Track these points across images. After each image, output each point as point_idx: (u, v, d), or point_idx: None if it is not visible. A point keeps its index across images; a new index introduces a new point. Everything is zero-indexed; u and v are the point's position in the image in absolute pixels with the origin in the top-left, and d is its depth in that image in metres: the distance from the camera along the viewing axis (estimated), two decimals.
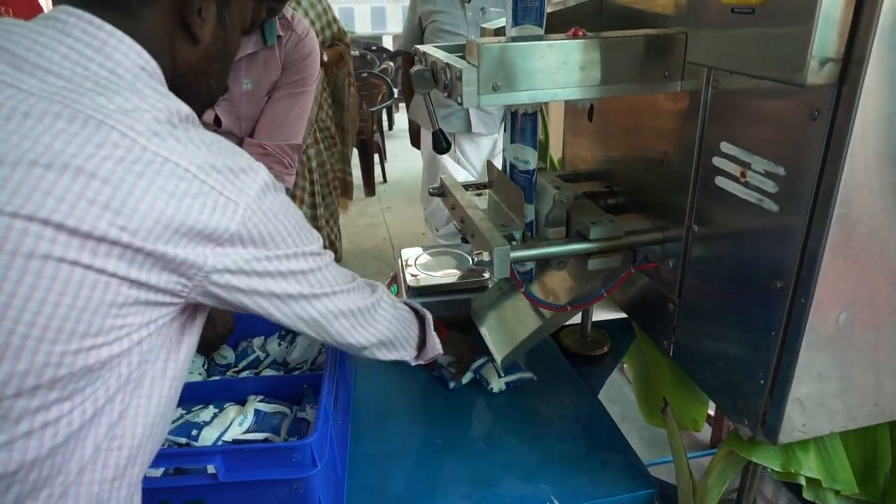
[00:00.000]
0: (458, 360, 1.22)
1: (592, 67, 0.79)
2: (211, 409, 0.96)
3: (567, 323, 1.27)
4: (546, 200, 1.00)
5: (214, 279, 0.58)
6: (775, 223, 0.70)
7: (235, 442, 0.92)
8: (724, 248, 0.81)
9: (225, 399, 1.00)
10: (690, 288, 0.89)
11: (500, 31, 1.01)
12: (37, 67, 0.53)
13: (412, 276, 1.37)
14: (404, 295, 1.33)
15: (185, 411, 0.97)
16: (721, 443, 0.91)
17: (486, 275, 1.34)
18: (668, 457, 1.02)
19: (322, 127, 2.99)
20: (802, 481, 0.83)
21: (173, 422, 0.93)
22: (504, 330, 1.17)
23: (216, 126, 1.53)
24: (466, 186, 1.16)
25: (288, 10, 1.53)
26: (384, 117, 5.77)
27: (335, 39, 2.86)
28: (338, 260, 3.44)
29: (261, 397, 1.00)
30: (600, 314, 1.41)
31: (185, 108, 0.58)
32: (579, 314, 1.35)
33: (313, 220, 3.08)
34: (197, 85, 0.67)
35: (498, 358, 1.13)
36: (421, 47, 0.93)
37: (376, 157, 4.86)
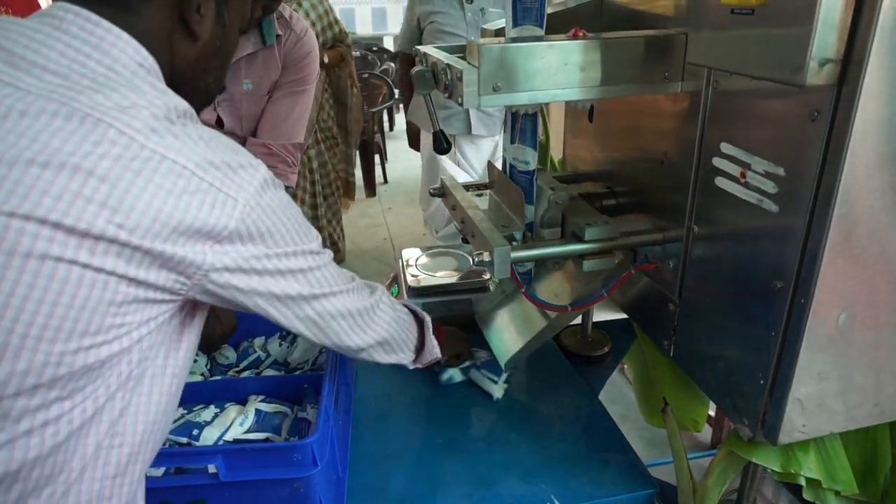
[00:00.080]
0: (457, 357, 1.21)
1: (593, 68, 0.79)
2: (212, 409, 0.97)
3: (567, 323, 1.27)
4: (542, 201, 1.00)
5: (213, 278, 0.57)
6: (775, 224, 0.70)
7: (236, 442, 0.92)
8: (725, 249, 0.81)
9: (226, 399, 1.00)
10: (691, 288, 0.90)
11: (500, 32, 1.01)
12: (34, 65, 0.52)
13: (413, 276, 1.37)
14: (405, 296, 1.34)
15: (186, 411, 0.97)
16: (721, 443, 0.92)
17: (487, 275, 1.35)
18: (668, 457, 1.02)
19: (323, 127, 2.99)
20: (802, 482, 0.83)
21: (174, 421, 0.94)
22: (508, 333, 1.17)
23: (219, 127, 1.53)
24: (467, 187, 1.16)
25: (286, 10, 1.54)
26: (385, 118, 5.78)
27: (336, 41, 2.87)
28: (341, 260, 3.47)
29: (262, 397, 1.00)
30: (601, 314, 1.41)
31: (183, 104, 0.58)
32: (580, 315, 1.35)
33: (314, 220, 3.08)
34: (195, 82, 0.67)
35: (502, 361, 1.13)
36: (422, 48, 0.93)
37: (377, 158, 4.86)
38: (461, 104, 0.76)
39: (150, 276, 0.53)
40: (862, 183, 0.63)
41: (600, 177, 1.15)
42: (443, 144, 0.98)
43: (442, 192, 1.15)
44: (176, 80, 0.63)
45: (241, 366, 1.17)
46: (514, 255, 0.88)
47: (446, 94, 0.82)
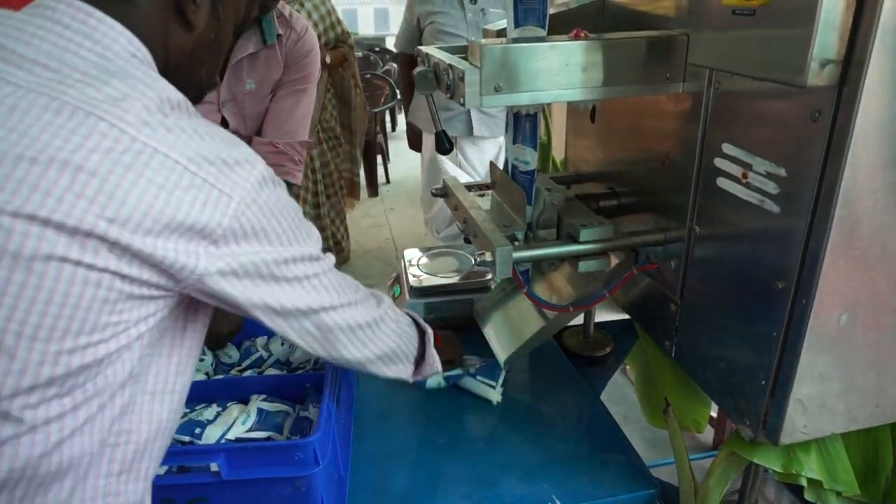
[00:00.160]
0: (449, 363, 1.19)
1: (594, 69, 0.79)
2: (214, 408, 0.97)
3: (569, 324, 1.27)
4: (538, 202, 1.00)
5: (207, 282, 0.56)
6: (777, 224, 0.70)
7: (238, 440, 0.92)
8: (726, 249, 0.81)
9: (228, 398, 1.00)
10: (692, 289, 0.90)
11: (502, 33, 1.01)
12: (24, 59, 0.52)
13: (414, 276, 1.37)
14: (407, 296, 1.34)
15: (188, 410, 0.97)
16: (723, 444, 0.92)
17: (489, 275, 1.35)
18: (670, 458, 1.02)
19: (326, 127, 3.00)
20: (804, 482, 0.83)
21: None
22: (508, 331, 1.17)
23: (223, 127, 1.53)
24: (469, 187, 1.16)
25: (286, 8, 1.54)
26: (387, 118, 5.78)
27: (339, 41, 2.87)
28: (345, 259, 3.47)
29: (264, 396, 1.00)
30: (603, 315, 1.41)
31: (178, 95, 0.56)
32: (581, 315, 1.35)
33: (317, 220, 3.09)
34: (189, 74, 0.66)
35: (502, 359, 1.13)
36: (423, 48, 0.93)
37: (379, 158, 4.87)
38: (463, 104, 0.76)
39: (144, 274, 0.52)
40: (863, 184, 0.63)
41: (602, 177, 1.15)
42: (445, 144, 0.99)
43: (444, 193, 1.16)
44: (170, 71, 0.62)
45: (244, 365, 1.18)
46: (516, 255, 0.89)
47: (448, 95, 0.82)
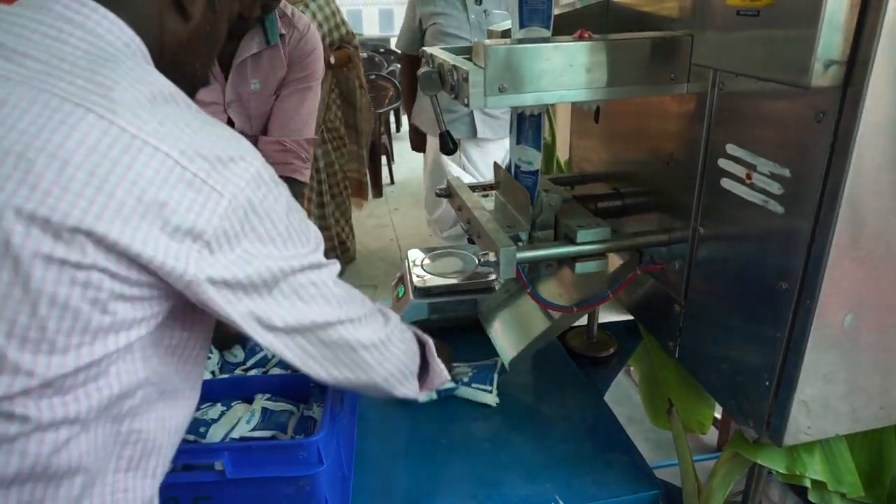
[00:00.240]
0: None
1: (598, 69, 0.79)
2: (219, 407, 0.97)
3: (573, 324, 1.27)
4: (536, 204, 1.00)
5: (196, 290, 0.53)
6: (781, 225, 0.70)
7: (243, 439, 0.93)
8: (730, 250, 0.81)
9: (233, 397, 1.01)
10: (696, 289, 0.90)
11: (507, 34, 1.01)
12: (14, 52, 0.51)
13: (418, 276, 1.37)
14: (411, 296, 1.34)
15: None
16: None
17: (493, 276, 1.35)
18: (674, 459, 1.02)
19: (330, 127, 3.01)
20: (808, 484, 0.83)
21: None
22: (513, 332, 1.17)
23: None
24: (473, 188, 1.17)
25: (288, 8, 1.55)
26: (392, 119, 5.79)
27: (344, 42, 2.88)
28: (351, 259, 3.48)
29: (268, 396, 1.01)
30: (607, 316, 1.41)
31: (172, 87, 0.55)
32: (585, 316, 1.35)
33: (321, 219, 3.11)
34: (184, 65, 0.65)
35: (506, 360, 1.13)
36: (428, 49, 0.93)
37: (384, 159, 4.88)
38: (467, 105, 0.77)
39: (133, 274, 0.50)
40: (868, 184, 0.63)
41: (606, 178, 1.15)
42: (449, 145, 0.99)
43: (448, 193, 1.16)
44: (165, 63, 0.61)
45: (249, 364, 1.18)
46: (520, 255, 0.89)
47: (452, 95, 0.82)
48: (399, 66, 5.74)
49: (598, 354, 1.35)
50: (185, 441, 0.92)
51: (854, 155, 0.61)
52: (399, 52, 2.61)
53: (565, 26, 0.91)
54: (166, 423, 0.62)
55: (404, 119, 6.62)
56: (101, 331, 0.51)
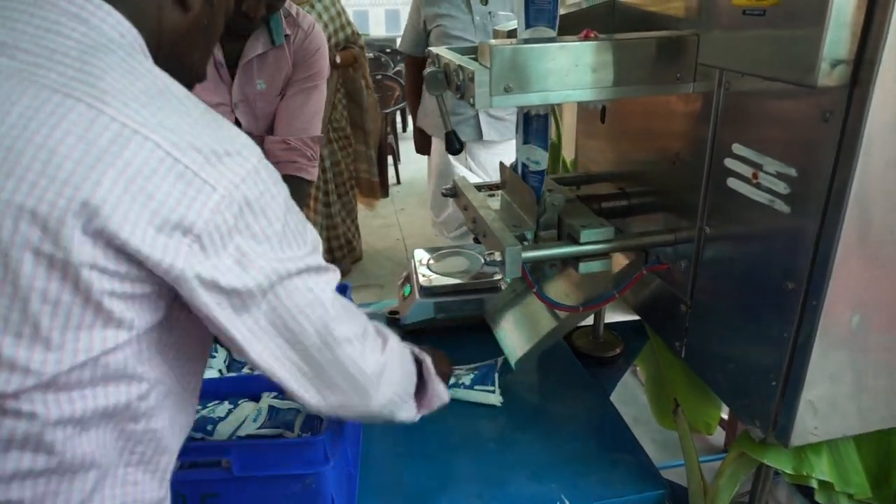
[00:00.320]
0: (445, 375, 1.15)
1: (604, 69, 0.79)
2: (226, 405, 0.98)
3: (579, 324, 1.27)
4: (539, 203, 1.00)
5: (183, 288, 0.51)
6: (787, 224, 0.70)
7: (250, 437, 0.93)
8: (736, 250, 0.81)
9: (240, 395, 1.01)
10: (702, 289, 0.89)
11: (513, 34, 1.02)
12: (5, 45, 0.50)
13: (424, 276, 1.38)
14: (417, 295, 1.34)
15: (200, 407, 0.98)
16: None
17: (499, 275, 1.35)
18: (680, 460, 1.02)
19: (336, 127, 3.02)
20: (815, 484, 0.83)
21: None
22: (519, 331, 1.18)
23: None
24: (479, 187, 1.17)
25: (293, 7, 1.56)
26: (398, 119, 5.80)
27: (349, 42, 2.89)
28: (357, 259, 3.49)
29: (275, 394, 1.01)
30: (613, 316, 1.41)
31: (167, 78, 0.54)
32: (591, 316, 1.35)
33: (328, 219, 3.12)
34: (183, 57, 0.64)
35: (513, 360, 1.13)
36: (434, 49, 0.94)
37: (390, 159, 4.88)
38: (473, 105, 0.77)
39: (122, 268, 0.49)
40: (875, 184, 0.63)
41: (612, 177, 1.15)
42: (455, 145, 0.99)
43: (454, 193, 1.16)
44: (164, 54, 0.60)
45: None
46: (526, 254, 0.89)
47: (458, 95, 0.83)
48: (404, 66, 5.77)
49: (604, 354, 1.35)
50: (192, 439, 0.92)
51: (861, 154, 0.61)
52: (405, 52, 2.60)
53: (571, 26, 0.91)
54: (176, 422, 0.62)
55: (410, 119, 6.64)
56: (96, 328, 0.50)
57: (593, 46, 0.78)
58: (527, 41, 0.83)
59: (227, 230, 0.51)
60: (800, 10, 0.61)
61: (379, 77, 4.98)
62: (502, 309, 1.25)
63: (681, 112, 0.90)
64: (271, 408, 0.98)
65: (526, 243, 0.97)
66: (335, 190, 3.12)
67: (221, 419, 0.95)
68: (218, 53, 1.46)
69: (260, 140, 1.55)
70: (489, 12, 2.32)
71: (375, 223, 4.22)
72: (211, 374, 1.11)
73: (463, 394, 1.17)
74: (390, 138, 4.90)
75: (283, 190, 0.57)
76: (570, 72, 0.78)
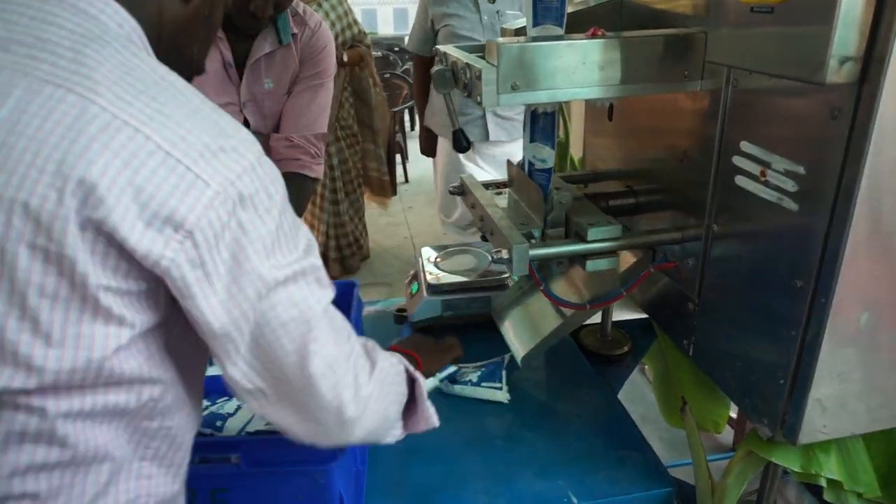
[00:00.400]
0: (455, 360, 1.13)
1: (612, 67, 0.79)
2: (234, 402, 0.99)
3: (587, 322, 1.27)
4: (547, 201, 1.00)
5: (170, 274, 0.50)
6: (795, 222, 0.70)
7: (258, 433, 0.94)
8: (744, 248, 0.80)
9: None
10: (710, 287, 0.89)
11: (520, 32, 1.02)
12: (0, 39, 0.50)
13: (432, 274, 1.38)
14: (425, 293, 1.35)
15: (210, 403, 1.00)
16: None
17: (506, 273, 1.35)
18: (688, 459, 1.02)
19: (343, 125, 3.03)
20: (823, 483, 0.83)
21: None
22: (525, 328, 1.18)
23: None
24: (486, 185, 1.17)
25: (300, 6, 1.56)
26: (406, 118, 5.80)
27: (356, 41, 2.90)
28: (365, 257, 3.50)
29: None
30: (621, 314, 1.41)
31: (164, 70, 0.53)
32: (599, 313, 1.35)
33: (336, 216, 3.13)
34: (183, 48, 0.64)
35: (519, 356, 1.13)
36: (441, 47, 0.94)
37: (398, 158, 4.89)
38: (480, 103, 0.77)
39: (114, 262, 0.49)
40: (884, 181, 0.62)
41: (620, 175, 1.15)
42: (463, 143, 0.99)
43: (461, 191, 1.16)
44: (165, 44, 0.60)
45: None
46: (533, 252, 0.89)
47: (465, 94, 0.83)
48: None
49: (612, 353, 1.34)
50: (202, 435, 0.93)
51: (870, 152, 0.60)
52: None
53: (578, 24, 0.91)
54: (190, 419, 0.63)
55: (418, 118, 6.64)
56: (97, 325, 0.50)
57: (601, 44, 0.78)
58: (534, 39, 0.83)
59: (221, 227, 0.50)
60: (808, 6, 0.61)
61: (387, 75, 4.99)
62: (509, 306, 1.26)
63: (688, 110, 0.89)
64: None
65: (533, 241, 0.97)
66: (343, 188, 3.13)
67: (230, 415, 0.96)
68: (227, 53, 1.47)
69: (267, 139, 1.56)
70: (497, 11, 2.30)
71: (383, 221, 4.23)
72: (217, 371, 1.12)
73: (470, 391, 1.17)
74: (398, 136, 4.91)
75: (280, 189, 0.55)
76: (578, 70, 0.78)
